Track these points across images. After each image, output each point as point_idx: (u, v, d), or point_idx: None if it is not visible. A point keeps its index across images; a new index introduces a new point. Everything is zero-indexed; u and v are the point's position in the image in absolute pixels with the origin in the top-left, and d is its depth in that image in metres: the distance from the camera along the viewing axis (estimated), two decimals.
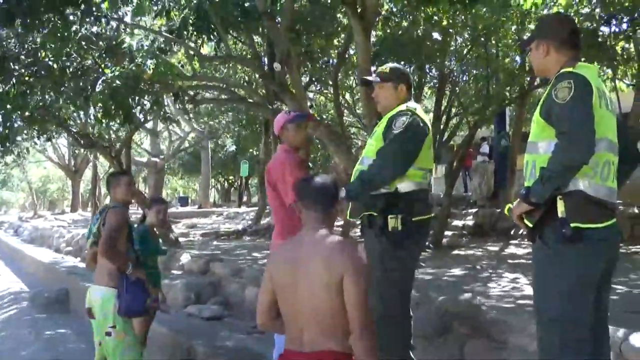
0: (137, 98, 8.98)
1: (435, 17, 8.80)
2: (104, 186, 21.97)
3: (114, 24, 10.02)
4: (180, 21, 9.26)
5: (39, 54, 9.52)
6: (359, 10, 6.91)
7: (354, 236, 8.66)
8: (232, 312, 5.95)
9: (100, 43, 9.53)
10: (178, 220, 17.63)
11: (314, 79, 12.30)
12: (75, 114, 12.92)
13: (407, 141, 2.87)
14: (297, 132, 3.38)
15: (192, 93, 10.87)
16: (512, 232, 9.64)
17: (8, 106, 9.30)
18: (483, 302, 4.25)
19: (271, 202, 3.40)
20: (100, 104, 8.27)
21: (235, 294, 6.31)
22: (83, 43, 9.25)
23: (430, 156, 3.08)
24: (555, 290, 2.23)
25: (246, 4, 8.81)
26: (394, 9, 9.80)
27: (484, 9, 8.55)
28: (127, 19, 11.83)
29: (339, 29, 10.46)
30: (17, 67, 9.45)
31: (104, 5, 8.86)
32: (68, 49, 9.14)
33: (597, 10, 8.40)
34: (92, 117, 10.80)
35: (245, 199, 28.81)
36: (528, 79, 10.30)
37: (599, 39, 8.15)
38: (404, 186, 2.90)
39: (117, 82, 7.98)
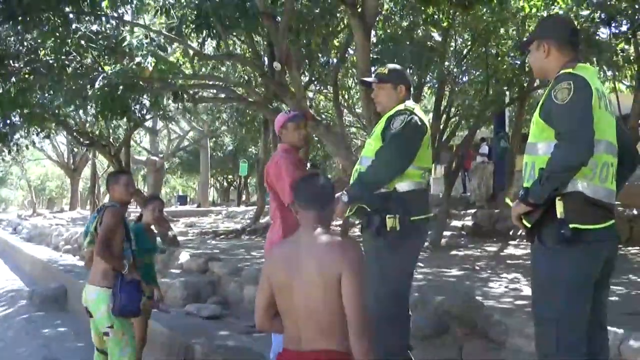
0: (136, 96, 8.96)
1: (435, 17, 8.80)
2: (103, 184, 22.01)
3: (113, 22, 10.00)
4: (180, 19, 9.25)
5: (39, 52, 9.51)
6: (359, 10, 6.92)
7: (353, 235, 8.67)
8: (230, 311, 5.95)
9: (100, 41, 9.52)
10: (177, 219, 17.66)
11: (313, 78, 12.29)
12: (74, 113, 12.89)
13: (405, 140, 2.86)
14: (297, 132, 3.39)
15: (191, 92, 10.86)
16: (510, 233, 9.64)
17: (7, 104, 9.29)
18: (482, 303, 4.25)
19: (271, 203, 3.41)
20: (99, 100, 8.25)
21: (234, 293, 6.32)
22: (82, 42, 9.23)
23: (429, 155, 3.07)
24: (553, 291, 2.23)
25: (246, 4, 8.78)
26: (394, 9, 9.80)
27: (484, 9, 8.55)
28: (127, 17, 11.82)
29: (339, 29, 10.45)
30: (16, 64, 9.44)
31: (104, 4, 8.85)
32: (67, 47, 9.13)
33: (597, 13, 8.39)
34: (91, 115, 10.79)
35: (244, 198, 28.86)
36: (527, 80, 10.30)
37: (599, 41, 8.15)
38: (402, 185, 2.89)
39: (116, 79, 7.97)
